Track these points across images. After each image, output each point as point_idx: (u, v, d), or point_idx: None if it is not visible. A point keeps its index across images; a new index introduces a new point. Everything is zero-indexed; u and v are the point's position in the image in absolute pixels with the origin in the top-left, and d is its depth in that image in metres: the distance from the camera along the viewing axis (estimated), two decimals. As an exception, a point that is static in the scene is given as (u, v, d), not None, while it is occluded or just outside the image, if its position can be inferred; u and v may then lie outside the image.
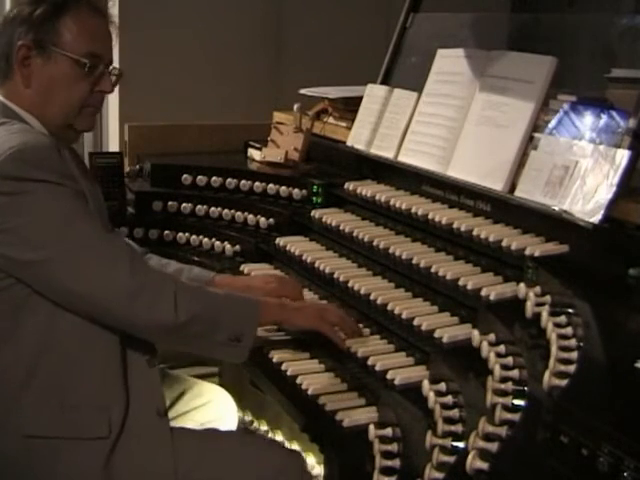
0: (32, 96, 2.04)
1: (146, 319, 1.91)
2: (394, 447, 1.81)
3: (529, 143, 2.34)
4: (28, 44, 2.01)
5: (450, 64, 2.73)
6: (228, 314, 2.01)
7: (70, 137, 2.15)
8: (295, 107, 3.34)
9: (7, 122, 2.01)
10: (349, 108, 3.26)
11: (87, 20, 2.06)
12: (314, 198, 3.01)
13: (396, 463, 1.79)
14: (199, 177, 3.23)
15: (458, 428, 1.71)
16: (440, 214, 2.47)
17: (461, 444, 1.66)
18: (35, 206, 1.89)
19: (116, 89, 2.22)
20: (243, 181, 3.18)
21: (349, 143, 3.09)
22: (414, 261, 2.35)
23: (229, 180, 3.21)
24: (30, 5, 2.03)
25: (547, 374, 1.55)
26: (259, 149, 3.41)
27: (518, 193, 2.30)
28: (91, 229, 1.95)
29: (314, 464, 2.68)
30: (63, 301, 1.94)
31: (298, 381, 2.09)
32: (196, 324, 1.95)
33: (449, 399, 1.79)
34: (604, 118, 2.17)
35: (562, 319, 1.72)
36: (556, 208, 2.14)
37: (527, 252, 2.11)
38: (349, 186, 2.91)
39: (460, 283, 2.18)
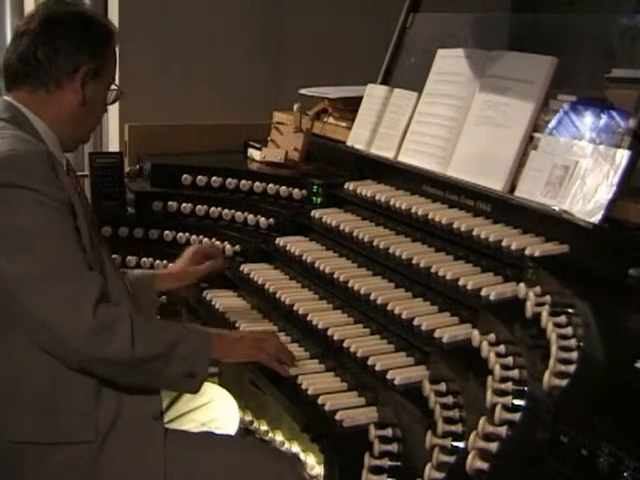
0: (74, 113, 2.09)
1: (102, 355, 1.87)
2: (394, 447, 1.81)
3: (529, 143, 2.35)
4: (92, 68, 2.08)
5: (450, 64, 2.73)
6: (181, 351, 1.98)
7: (75, 147, 2.23)
8: (295, 107, 3.34)
9: (1, 127, 2.00)
10: (349, 108, 3.26)
11: (115, 50, 2.17)
12: (314, 198, 3.01)
13: (396, 463, 1.79)
14: (199, 177, 3.23)
15: (458, 428, 1.72)
16: (440, 214, 2.47)
17: (461, 444, 1.66)
18: (13, 214, 1.87)
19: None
20: (243, 181, 3.18)
21: (349, 143, 3.09)
22: (414, 261, 2.35)
23: (229, 180, 3.21)
24: (88, 30, 2.09)
25: (547, 374, 1.55)
26: (259, 149, 3.41)
27: (518, 193, 2.30)
28: (63, 251, 1.89)
29: (314, 464, 2.69)
30: (24, 321, 1.90)
31: (298, 381, 2.09)
32: (152, 361, 1.94)
33: (449, 399, 1.79)
34: (604, 118, 2.17)
35: (562, 319, 1.72)
36: (556, 208, 2.14)
37: (527, 252, 2.11)
38: (349, 186, 2.91)
39: (460, 283, 2.18)
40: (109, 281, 2.04)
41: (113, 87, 2.18)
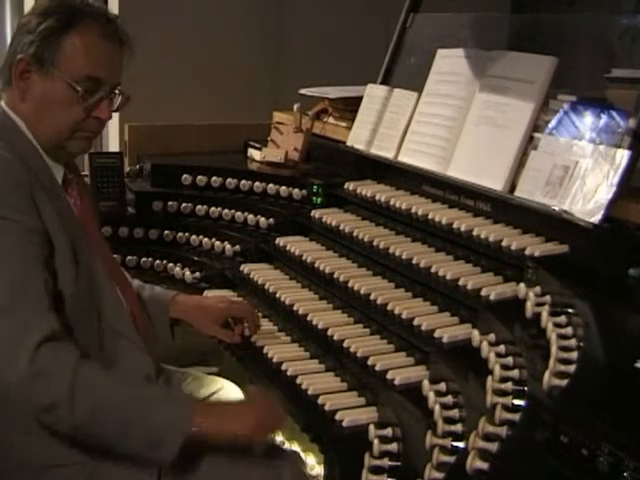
0: (27, 110, 1.95)
1: (40, 408, 1.74)
2: (394, 447, 1.81)
3: (529, 143, 2.34)
4: (27, 59, 1.92)
5: (450, 64, 2.73)
6: (147, 417, 1.78)
7: (61, 156, 2.02)
8: (295, 107, 3.34)
9: None
10: (349, 108, 3.26)
11: (93, 42, 1.94)
12: (314, 198, 3.01)
13: (396, 463, 1.79)
14: (199, 177, 3.23)
15: (458, 428, 1.71)
16: (440, 214, 2.47)
17: (461, 444, 1.66)
18: None
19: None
20: (243, 181, 3.19)
21: (349, 143, 3.09)
22: (414, 261, 2.35)
23: (229, 180, 3.21)
24: (38, 17, 1.94)
25: (547, 374, 1.55)
26: (259, 149, 3.41)
27: (518, 193, 2.30)
28: (16, 282, 1.75)
29: (314, 464, 2.68)
30: None
31: (298, 381, 2.09)
32: (98, 424, 1.76)
33: (449, 399, 1.79)
34: (604, 118, 2.17)
35: (562, 319, 1.72)
36: (556, 208, 2.14)
37: (527, 252, 2.11)
38: (349, 186, 2.91)
39: (460, 283, 2.18)
40: (105, 305, 1.98)
41: (75, 84, 1.91)
